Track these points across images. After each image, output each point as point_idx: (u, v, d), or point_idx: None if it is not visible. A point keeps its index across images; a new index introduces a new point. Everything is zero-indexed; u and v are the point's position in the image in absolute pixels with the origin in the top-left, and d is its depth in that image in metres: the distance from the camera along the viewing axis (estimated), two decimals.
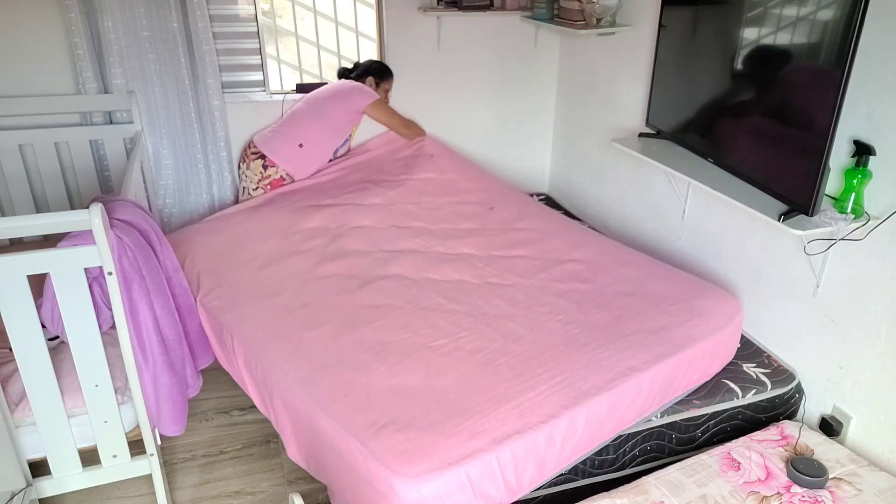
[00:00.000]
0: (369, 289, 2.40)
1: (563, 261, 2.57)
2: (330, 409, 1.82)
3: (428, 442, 1.67)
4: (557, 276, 2.47)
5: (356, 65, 3.32)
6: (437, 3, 3.34)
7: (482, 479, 1.66)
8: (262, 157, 3.09)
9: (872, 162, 1.88)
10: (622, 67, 3.10)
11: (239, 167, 3.20)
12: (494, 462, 1.67)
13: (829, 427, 2.12)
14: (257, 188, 3.10)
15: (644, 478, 1.84)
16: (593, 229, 2.89)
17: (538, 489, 2.00)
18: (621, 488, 1.80)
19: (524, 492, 1.81)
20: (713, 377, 2.24)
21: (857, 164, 1.90)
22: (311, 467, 1.99)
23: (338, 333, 2.15)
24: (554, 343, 2.08)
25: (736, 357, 2.33)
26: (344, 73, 3.30)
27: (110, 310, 1.89)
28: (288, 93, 3.32)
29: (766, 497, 1.77)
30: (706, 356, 2.14)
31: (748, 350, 2.39)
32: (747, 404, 2.19)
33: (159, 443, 2.11)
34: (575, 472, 2.03)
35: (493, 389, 1.87)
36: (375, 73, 3.26)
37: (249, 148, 3.16)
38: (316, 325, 2.20)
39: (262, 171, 3.09)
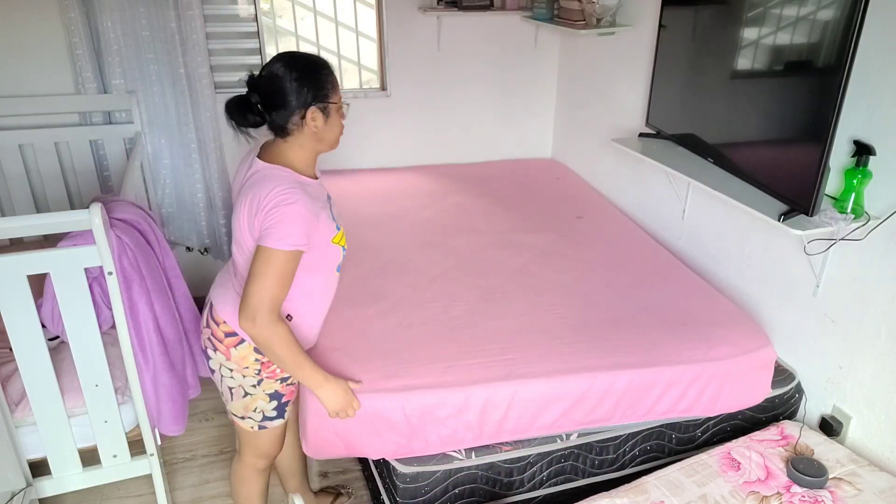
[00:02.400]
0: (421, 251, 2.64)
1: (612, 267, 2.57)
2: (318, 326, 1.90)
3: (350, 371, 1.88)
4: (592, 278, 2.48)
5: (255, 81, 1.58)
6: (437, 3, 3.34)
7: (380, 414, 1.82)
8: (239, 337, 1.69)
9: (872, 162, 1.88)
10: (622, 67, 3.10)
11: (207, 355, 1.77)
12: (395, 405, 1.83)
13: (829, 427, 2.12)
14: (259, 380, 1.73)
15: (644, 478, 1.84)
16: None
17: (537, 489, 2.01)
18: (621, 488, 1.80)
19: (440, 449, 1.90)
20: (725, 416, 2.16)
21: (857, 164, 1.90)
22: None
23: (366, 277, 2.41)
24: (531, 329, 2.14)
25: None
26: (244, 113, 1.57)
27: (110, 310, 1.89)
28: None
29: (766, 497, 1.77)
30: (697, 384, 2.03)
31: None
32: None
33: (159, 443, 2.11)
34: (575, 472, 2.04)
35: (440, 350, 2.02)
36: (314, 88, 1.57)
37: (214, 325, 1.72)
38: (360, 264, 2.48)
39: (256, 356, 1.70)
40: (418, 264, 2.53)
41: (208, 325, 1.73)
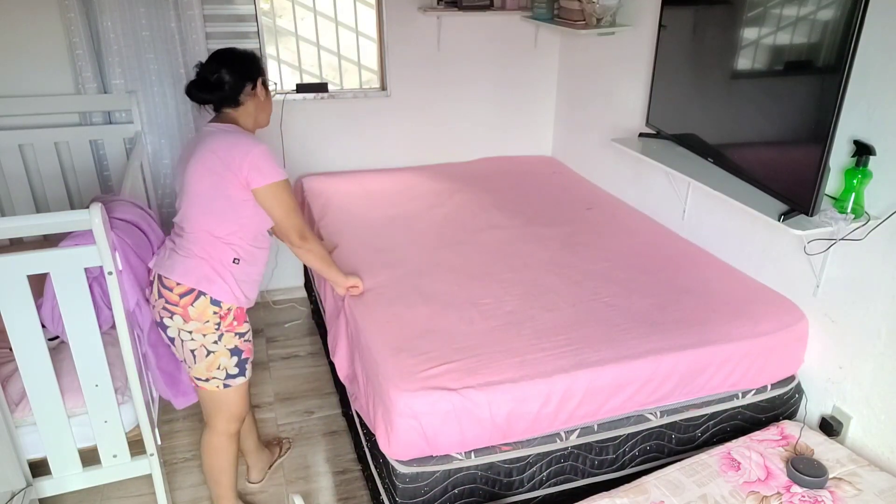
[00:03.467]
0: (450, 249, 2.66)
1: (637, 254, 2.63)
2: (371, 330, 2.09)
3: (429, 369, 1.90)
4: (623, 266, 2.53)
5: (211, 64, 1.89)
6: (437, 3, 3.34)
7: (468, 410, 1.84)
8: (195, 292, 1.84)
9: (872, 162, 1.88)
10: (622, 67, 3.10)
11: (163, 325, 1.89)
12: (483, 400, 1.85)
13: (829, 427, 2.12)
14: (219, 335, 1.89)
15: (644, 478, 1.84)
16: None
17: (537, 489, 2.00)
18: (621, 488, 1.80)
19: (516, 437, 1.94)
20: (768, 387, 2.22)
21: (857, 164, 1.90)
22: (346, 378, 2.29)
23: (406, 277, 2.41)
24: (586, 319, 2.17)
25: None
26: (212, 89, 1.89)
27: (110, 310, 1.89)
28: (288, 93, 3.32)
29: (766, 497, 1.77)
30: (747, 360, 2.11)
31: None
32: (747, 404, 2.19)
33: (159, 443, 2.11)
34: (575, 472, 2.04)
35: (508, 343, 2.04)
36: (258, 67, 1.96)
37: (167, 292, 1.85)
38: (394, 265, 2.49)
39: (214, 309, 1.86)
40: (453, 262, 2.54)
41: (161, 297, 1.87)
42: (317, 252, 2.05)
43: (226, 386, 1.95)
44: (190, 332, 1.86)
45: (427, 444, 1.85)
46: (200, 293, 1.83)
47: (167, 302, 1.85)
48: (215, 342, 1.89)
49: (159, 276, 1.88)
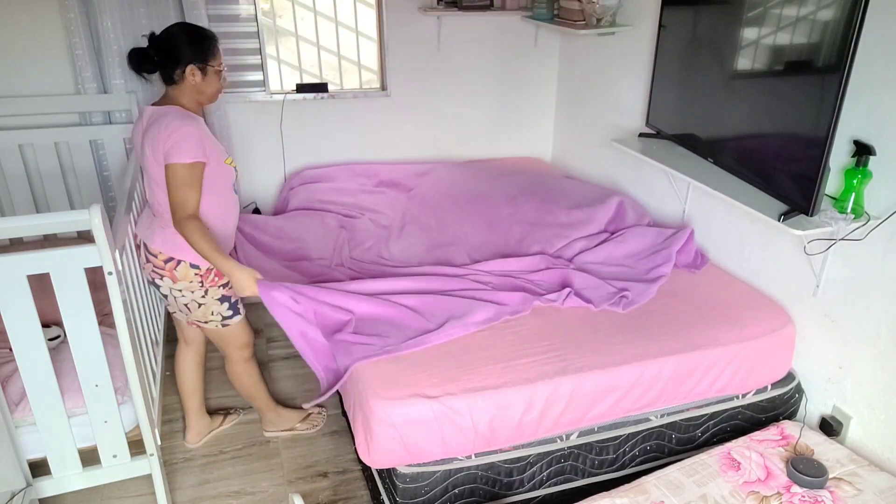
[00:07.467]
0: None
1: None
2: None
3: (409, 376, 1.89)
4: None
5: (153, 38, 1.97)
6: (437, 3, 3.34)
7: (449, 418, 1.83)
8: (175, 259, 2.01)
9: (872, 162, 1.88)
10: (622, 67, 3.10)
11: (155, 283, 2.09)
12: (464, 407, 1.83)
13: (829, 427, 2.12)
14: (204, 290, 2.07)
15: (644, 478, 1.84)
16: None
17: (537, 489, 2.01)
18: (621, 488, 1.80)
19: (499, 445, 1.93)
20: (768, 387, 2.21)
21: (857, 164, 1.90)
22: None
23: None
24: (572, 324, 2.16)
25: None
26: (141, 61, 1.97)
27: None
28: (288, 93, 3.32)
29: (766, 497, 1.77)
30: (733, 365, 2.11)
31: None
32: (747, 404, 2.19)
33: (159, 443, 2.11)
34: (575, 472, 2.04)
35: (491, 349, 2.03)
36: (196, 52, 1.96)
37: (153, 258, 2.04)
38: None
39: (194, 271, 2.03)
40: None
41: (148, 261, 2.06)
42: (198, 230, 1.91)
43: (224, 325, 2.17)
44: (180, 290, 2.06)
45: (407, 453, 1.84)
46: (180, 259, 2.00)
47: (154, 267, 2.05)
48: (203, 296, 2.08)
49: (144, 244, 2.06)
